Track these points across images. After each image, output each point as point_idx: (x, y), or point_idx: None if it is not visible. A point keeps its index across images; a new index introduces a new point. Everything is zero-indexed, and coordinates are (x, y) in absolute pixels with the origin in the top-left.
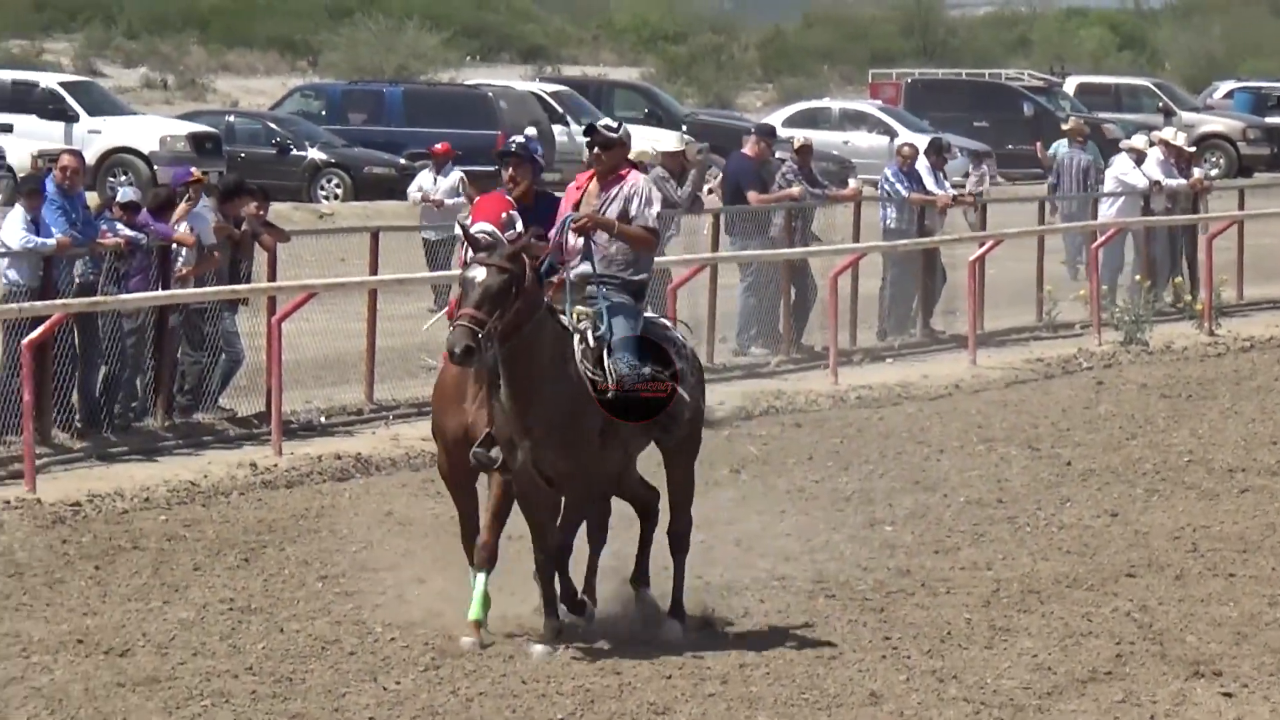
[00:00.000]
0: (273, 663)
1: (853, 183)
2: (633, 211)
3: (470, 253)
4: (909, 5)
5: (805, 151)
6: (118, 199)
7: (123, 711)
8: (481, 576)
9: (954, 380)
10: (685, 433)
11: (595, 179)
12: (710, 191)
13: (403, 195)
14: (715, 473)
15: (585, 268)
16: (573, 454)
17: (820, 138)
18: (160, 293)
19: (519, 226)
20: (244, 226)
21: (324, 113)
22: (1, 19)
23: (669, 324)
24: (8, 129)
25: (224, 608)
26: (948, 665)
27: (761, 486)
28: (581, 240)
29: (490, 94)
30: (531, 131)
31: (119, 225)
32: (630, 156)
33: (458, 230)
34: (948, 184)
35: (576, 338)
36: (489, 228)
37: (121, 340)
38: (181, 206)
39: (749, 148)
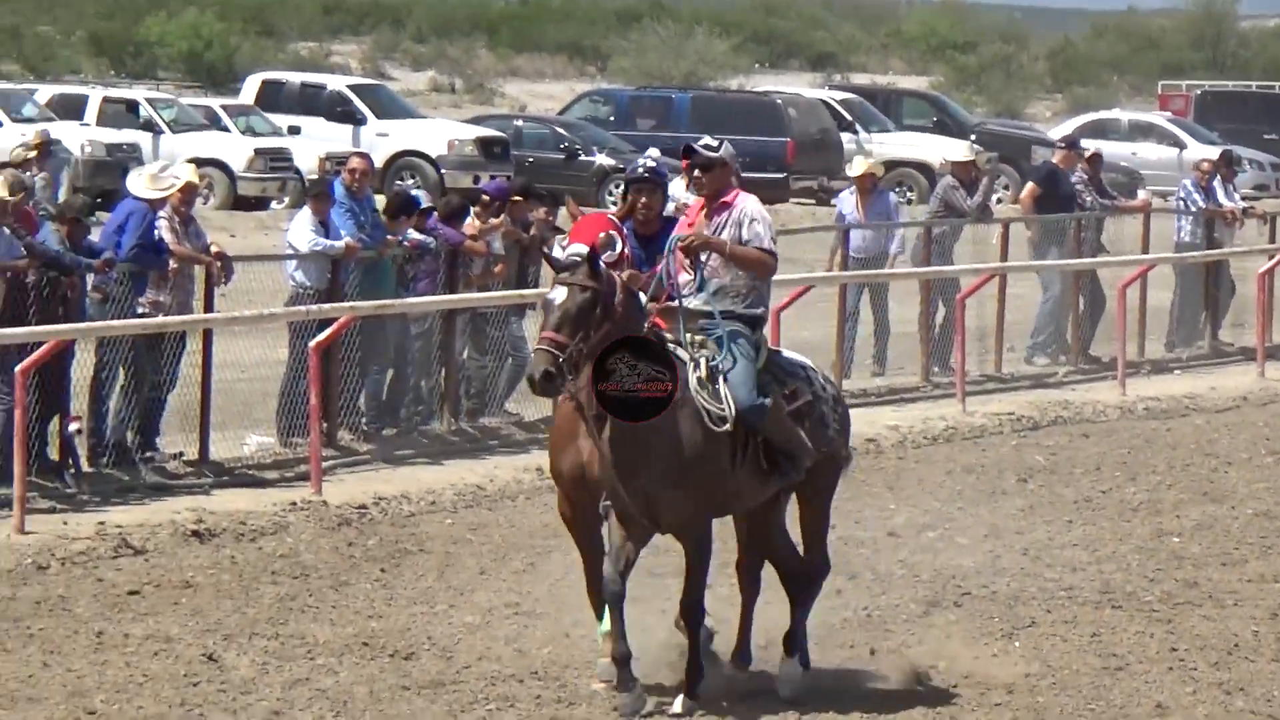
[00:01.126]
0: (557, 668)
1: (1141, 194)
2: (745, 235)
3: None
4: (1199, 16)
5: (1095, 161)
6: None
7: (408, 715)
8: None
9: (1242, 392)
10: (819, 471)
11: (703, 208)
12: (1000, 201)
13: None
14: (1003, 482)
15: (698, 299)
16: (685, 494)
17: (1109, 149)
18: (448, 296)
19: (619, 248)
20: (532, 231)
21: (612, 118)
22: (290, 22)
23: (802, 359)
24: (296, 131)
25: (509, 611)
26: (1235, 678)
27: (1049, 496)
28: (689, 266)
29: (779, 101)
30: (655, 153)
31: (410, 230)
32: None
33: (556, 253)
34: (1237, 196)
35: (691, 366)
36: (583, 249)
37: (408, 344)
38: (492, 221)
39: (1059, 158)
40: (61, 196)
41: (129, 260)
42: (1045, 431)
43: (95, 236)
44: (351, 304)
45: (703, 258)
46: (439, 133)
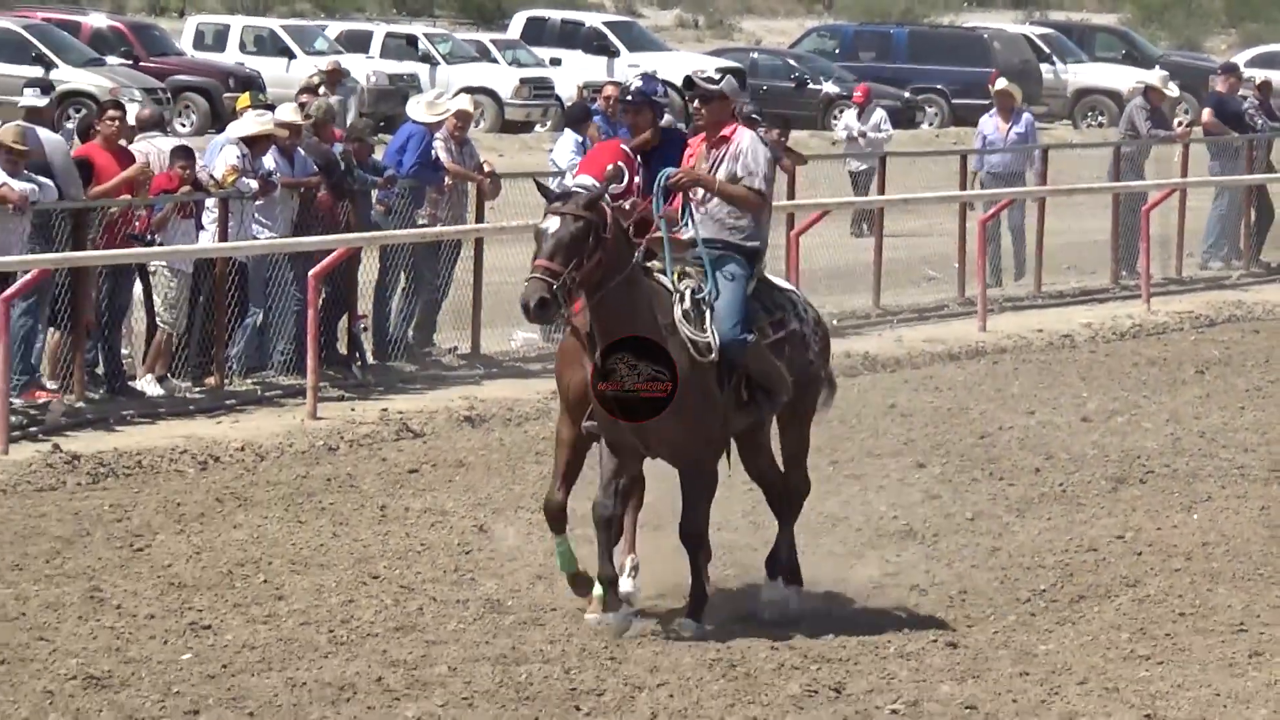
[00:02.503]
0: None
1: None
2: (739, 172)
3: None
4: None
5: (1265, 88)
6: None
7: (660, 575)
8: (558, 540)
9: None
10: (798, 396)
11: (704, 140)
12: (1180, 124)
13: (909, 125)
14: (1182, 372)
15: (688, 232)
16: (675, 419)
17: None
18: None
19: (625, 179)
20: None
21: (837, 51)
22: None
23: (788, 286)
24: (557, 63)
25: (747, 488)
26: None
27: (1223, 385)
28: (681, 200)
29: (985, 35)
30: (642, 75)
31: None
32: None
33: (566, 182)
34: None
35: (676, 297)
36: (589, 181)
37: None
38: None
39: (1220, 84)
40: (350, 120)
41: (409, 177)
42: (1220, 328)
43: (379, 156)
44: None
45: (693, 194)
46: (684, 64)
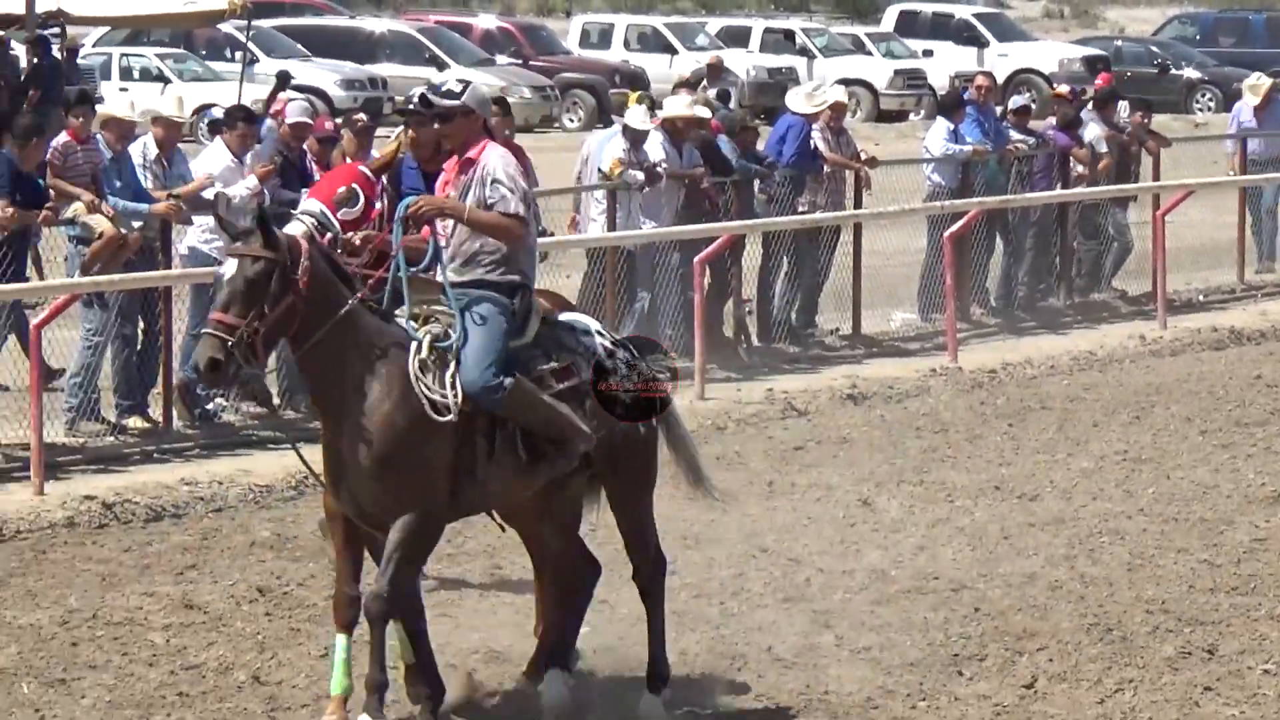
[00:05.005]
0: (1160, 505)
1: None
2: (490, 197)
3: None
4: None
5: None
6: (1010, 106)
7: (1033, 549)
8: (341, 639)
9: None
10: (616, 460)
11: (457, 165)
12: None
13: None
14: None
15: (437, 270)
16: (399, 494)
17: None
18: (1060, 192)
19: (360, 204)
20: (1129, 133)
21: (1197, 37)
22: None
23: (585, 322)
24: (929, 54)
25: (1118, 459)
26: None
27: None
28: (430, 232)
29: None
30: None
31: (1011, 131)
32: None
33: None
34: None
35: (414, 346)
36: (317, 208)
37: (1024, 231)
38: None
39: None
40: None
41: (789, 166)
42: None
43: (760, 146)
44: (980, 199)
45: (439, 225)
46: (1050, 53)
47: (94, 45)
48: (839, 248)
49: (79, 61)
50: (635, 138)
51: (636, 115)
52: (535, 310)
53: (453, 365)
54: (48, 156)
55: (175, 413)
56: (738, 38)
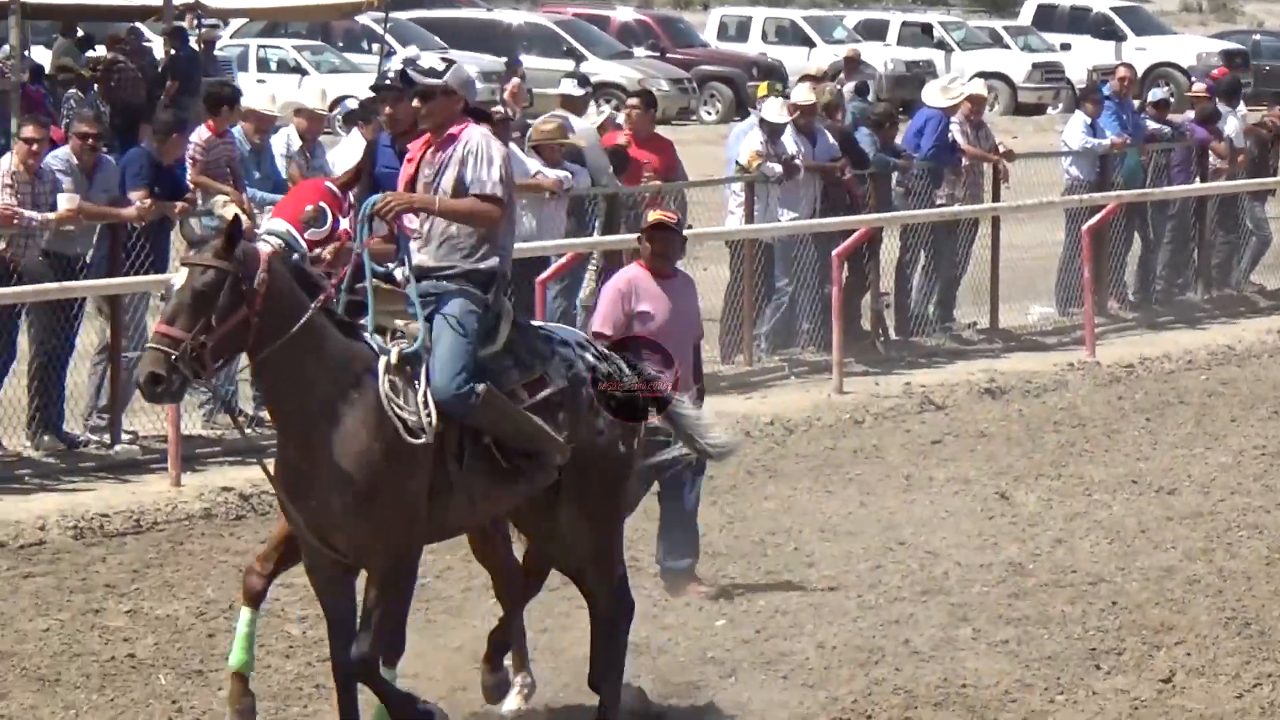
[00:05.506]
0: None
1: None
2: (468, 177)
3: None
4: None
5: None
6: (1149, 99)
7: (1171, 541)
8: (246, 613)
9: None
10: (583, 478)
11: (428, 144)
12: None
13: None
14: None
15: (400, 270)
16: (369, 521)
17: None
18: (1198, 185)
19: (328, 223)
20: (1266, 129)
21: None
22: None
23: (564, 331)
24: (1066, 48)
25: (1256, 453)
26: None
27: None
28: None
29: None
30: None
31: (1149, 122)
32: None
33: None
34: None
35: (382, 364)
36: (282, 227)
37: (1162, 225)
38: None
39: None
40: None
41: (927, 159)
42: None
43: (898, 140)
44: (1118, 193)
45: (408, 219)
46: (1189, 47)
47: (231, 37)
48: (977, 241)
49: (216, 53)
50: (772, 130)
51: (773, 108)
52: (507, 314)
53: (424, 383)
54: (189, 152)
55: None
56: (875, 31)
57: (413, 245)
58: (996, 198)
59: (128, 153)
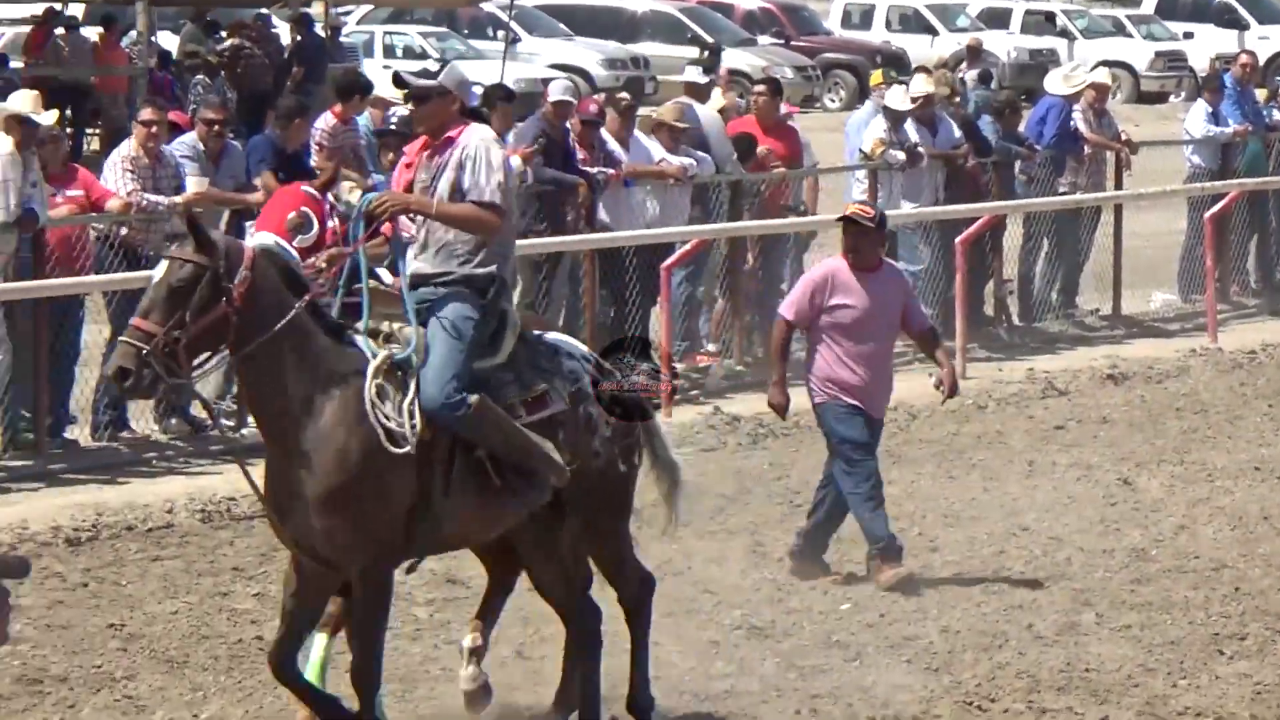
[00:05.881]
0: None
1: None
2: (465, 183)
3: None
4: None
5: None
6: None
7: None
8: (321, 639)
9: None
10: (584, 497)
11: (424, 147)
12: None
13: None
14: None
15: (390, 274)
16: (348, 534)
17: None
18: None
19: (314, 229)
20: None
21: None
22: None
23: (570, 344)
24: (1189, 36)
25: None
26: None
27: None
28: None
29: None
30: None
31: (1272, 111)
32: None
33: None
34: None
35: (371, 368)
36: (270, 240)
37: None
38: None
39: None
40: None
41: (1049, 147)
42: None
43: (1022, 128)
44: (1240, 181)
45: (404, 222)
46: None
47: (357, 23)
48: (1099, 228)
49: (342, 40)
50: (895, 118)
51: (897, 95)
52: (512, 325)
53: (412, 390)
54: (314, 138)
55: None
56: (999, 19)
57: (409, 251)
58: (1119, 186)
59: (252, 139)
